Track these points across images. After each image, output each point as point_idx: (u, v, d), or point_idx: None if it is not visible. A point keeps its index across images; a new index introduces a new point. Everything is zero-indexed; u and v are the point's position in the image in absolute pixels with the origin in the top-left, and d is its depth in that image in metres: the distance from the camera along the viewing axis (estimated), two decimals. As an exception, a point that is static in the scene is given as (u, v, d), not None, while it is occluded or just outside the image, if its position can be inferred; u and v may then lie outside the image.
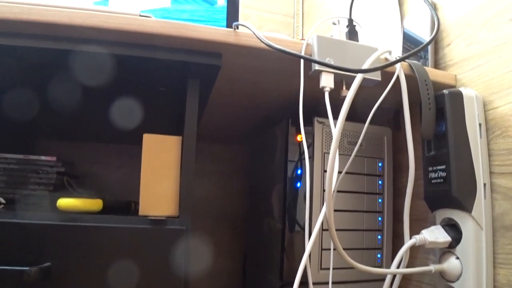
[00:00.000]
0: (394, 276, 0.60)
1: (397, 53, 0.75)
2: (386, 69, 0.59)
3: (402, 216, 0.71)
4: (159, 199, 0.57)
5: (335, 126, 0.51)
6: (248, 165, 1.13)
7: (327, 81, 0.55)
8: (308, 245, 0.52)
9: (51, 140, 1.02)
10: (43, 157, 0.81)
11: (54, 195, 0.71)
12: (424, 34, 0.71)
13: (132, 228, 0.54)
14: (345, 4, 1.06)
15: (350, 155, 0.68)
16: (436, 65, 0.69)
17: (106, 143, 1.06)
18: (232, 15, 0.81)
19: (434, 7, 0.71)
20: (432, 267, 0.56)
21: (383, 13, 0.82)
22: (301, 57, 0.54)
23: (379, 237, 0.69)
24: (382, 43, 0.80)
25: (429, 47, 0.69)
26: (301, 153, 0.68)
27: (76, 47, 0.54)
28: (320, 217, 0.53)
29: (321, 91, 0.55)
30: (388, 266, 0.70)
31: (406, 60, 0.62)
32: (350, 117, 0.61)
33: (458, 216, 0.56)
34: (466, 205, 0.55)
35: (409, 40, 0.74)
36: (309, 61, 0.55)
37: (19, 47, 0.54)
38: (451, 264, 0.56)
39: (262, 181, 0.85)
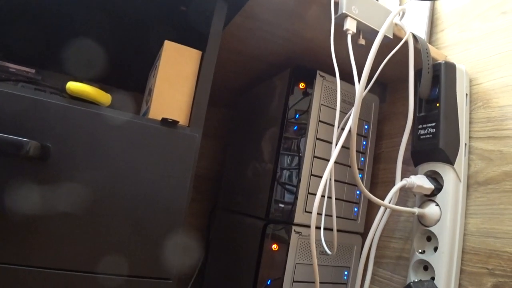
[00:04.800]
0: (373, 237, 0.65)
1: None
2: (395, 34, 0.65)
3: (378, 179, 0.77)
4: (171, 106, 0.57)
5: (359, 81, 0.56)
6: (222, 130, 1.14)
7: (351, 25, 0.60)
8: (319, 189, 0.55)
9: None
10: (21, 67, 0.75)
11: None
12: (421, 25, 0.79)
13: (143, 125, 0.52)
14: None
15: (343, 112, 0.74)
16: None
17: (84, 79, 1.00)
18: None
19: (430, -1, 0.79)
20: (416, 210, 0.62)
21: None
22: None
23: (357, 192, 0.74)
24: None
25: (425, 31, 0.77)
26: (301, 101, 0.71)
27: None
28: (328, 167, 0.56)
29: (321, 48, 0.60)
30: (363, 220, 0.74)
31: (411, 32, 0.69)
32: (342, 78, 0.66)
33: (441, 168, 0.62)
34: (450, 158, 0.61)
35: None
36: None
37: None
38: (431, 210, 0.61)
39: (250, 130, 0.86)
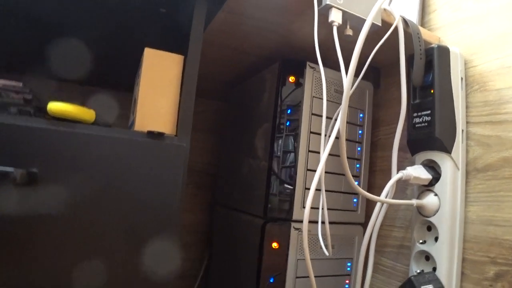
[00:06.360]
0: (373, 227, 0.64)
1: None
2: (384, 20, 0.63)
3: (376, 167, 0.76)
4: (157, 116, 0.56)
5: (346, 72, 0.54)
6: (215, 123, 1.13)
7: (336, 17, 0.57)
8: (313, 184, 0.54)
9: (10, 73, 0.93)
10: (7, 82, 0.74)
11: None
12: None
13: (128, 140, 0.51)
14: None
15: (336, 102, 0.72)
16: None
17: (66, 81, 0.98)
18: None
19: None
20: (414, 201, 0.61)
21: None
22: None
23: (356, 182, 0.73)
24: None
25: (417, 11, 0.74)
26: (292, 94, 0.69)
27: None
28: (322, 160, 0.55)
29: (310, 39, 0.59)
30: (363, 210, 0.74)
31: (400, 15, 0.66)
32: (335, 67, 0.64)
33: (438, 157, 0.61)
34: (447, 146, 0.60)
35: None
36: None
37: None
38: (429, 200, 0.60)
39: (243, 126, 0.85)
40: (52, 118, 0.51)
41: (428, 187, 0.61)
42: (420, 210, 0.62)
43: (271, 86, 0.73)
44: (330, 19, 0.58)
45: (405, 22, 0.65)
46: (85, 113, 0.53)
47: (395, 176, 0.60)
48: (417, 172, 0.60)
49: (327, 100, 0.70)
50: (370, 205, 0.74)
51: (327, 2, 0.57)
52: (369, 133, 0.76)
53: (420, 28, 0.68)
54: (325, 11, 0.59)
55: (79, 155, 0.49)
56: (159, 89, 0.56)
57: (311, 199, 0.56)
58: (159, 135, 0.53)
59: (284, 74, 0.70)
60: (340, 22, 0.58)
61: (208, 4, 0.59)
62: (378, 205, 0.64)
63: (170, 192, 0.53)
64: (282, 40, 0.72)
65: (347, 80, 0.53)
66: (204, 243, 1.06)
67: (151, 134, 0.53)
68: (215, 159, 1.11)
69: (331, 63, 0.71)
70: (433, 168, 0.62)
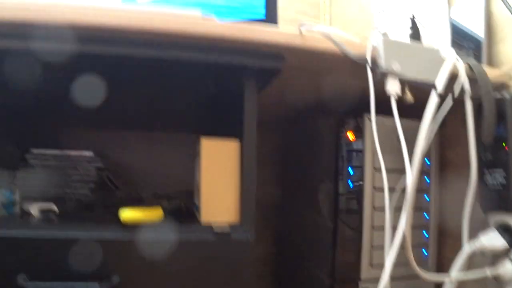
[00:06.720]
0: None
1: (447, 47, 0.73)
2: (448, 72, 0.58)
3: (446, 214, 0.72)
4: (221, 206, 0.57)
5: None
6: (278, 154, 1.12)
7: (393, 87, 0.54)
8: (394, 244, 0.54)
9: (78, 129, 0.99)
10: (80, 152, 0.79)
11: (109, 205, 0.69)
12: (473, 26, 0.70)
13: (197, 241, 0.54)
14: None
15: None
16: (489, 62, 0.68)
17: (131, 131, 1.02)
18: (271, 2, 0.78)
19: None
20: (488, 272, 0.57)
21: (428, 2, 0.80)
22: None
23: (425, 234, 0.71)
24: (428, 34, 0.78)
25: (483, 43, 0.67)
26: (352, 151, 0.68)
27: (125, 51, 0.51)
28: (402, 218, 0.53)
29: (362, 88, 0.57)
30: (434, 263, 0.71)
31: (465, 63, 0.60)
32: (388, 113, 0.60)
33: (515, 221, 0.57)
34: (524, 210, 0.56)
35: (456, 32, 0.72)
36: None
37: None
38: (506, 269, 0.57)
39: (301, 173, 0.85)
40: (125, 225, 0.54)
41: (505, 252, 0.58)
42: (497, 278, 0.59)
43: (329, 141, 0.71)
44: (386, 89, 0.54)
45: (470, 68, 0.60)
46: (154, 214, 0.56)
47: (467, 250, 0.57)
48: (491, 241, 0.57)
49: (390, 152, 0.67)
50: (442, 255, 0.71)
51: (383, 70, 0.54)
52: (437, 176, 0.72)
53: (487, 69, 0.62)
54: (380, 78, 0.55)
55: (152, 256, 0.52)
56: (220, 177, 0.58)
57: (390, 268, 0.55)
58: (224, 234, 0.54)
59: (341, 128, 0.68)
60: (399, 93, 0.54)
61: (257, 83, 0.58)
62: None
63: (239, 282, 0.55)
64: (336, 94, 0.70)
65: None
66: (278, 275, 1.08)
67: (216, 231, 0.54)
68: (279, 190, 1.10)
69: (388, 108, 0.67)
70: (509, 231, 0.58)
